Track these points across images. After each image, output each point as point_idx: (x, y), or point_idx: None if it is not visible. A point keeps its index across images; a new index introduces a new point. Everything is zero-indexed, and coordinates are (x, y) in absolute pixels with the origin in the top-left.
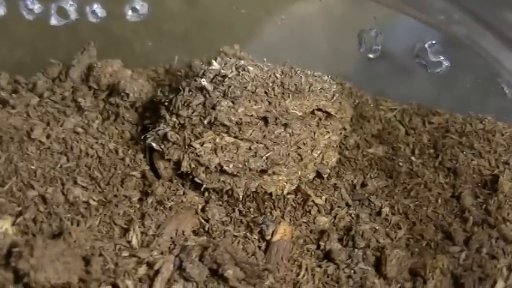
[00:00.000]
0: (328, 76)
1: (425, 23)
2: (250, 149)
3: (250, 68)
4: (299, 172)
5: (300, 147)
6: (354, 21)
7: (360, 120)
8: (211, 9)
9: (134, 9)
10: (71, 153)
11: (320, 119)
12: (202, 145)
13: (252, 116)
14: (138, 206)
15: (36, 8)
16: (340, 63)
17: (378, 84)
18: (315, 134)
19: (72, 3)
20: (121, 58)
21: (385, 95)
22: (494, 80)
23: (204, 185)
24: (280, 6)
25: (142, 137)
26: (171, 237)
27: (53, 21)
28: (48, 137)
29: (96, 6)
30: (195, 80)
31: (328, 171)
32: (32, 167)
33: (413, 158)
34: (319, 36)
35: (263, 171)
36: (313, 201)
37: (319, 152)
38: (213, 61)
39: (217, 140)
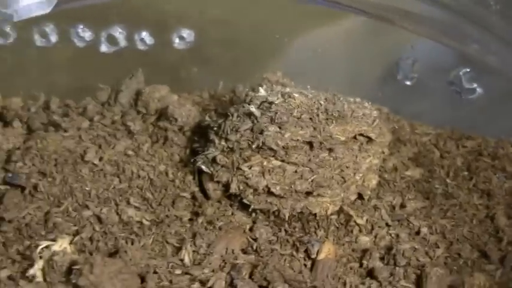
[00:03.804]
0: (368, 102)
1: (460, 52)
2: (296, 172)
3: (296, 95)
4: (342, 194)
5: (343, 171)
6: (391, 49)
7: (397, 144)
8: (254, 37)
9: (181, 38)
10: (123, 175)
11: (362, 144)
12: (250, 168)
13: (298, 140)
14: (189, 225)
15: (87, 35)
16: (378, 90)
17: (414, 110)
18: (357, 157)
19: (121, 31)
20: (167, 84)
21: (421, 120)
22: None
23: (252, 206)
24: (321, 36)
25: (192, 160)
26: (222, 256)
27: (103, 48)
28: (100, 159)
29: (144, 34)
30: (243, 106)
31: (369, 193)
32: (86, 188)
33: (448, 180)
34: (358, 64)
35: (308, 193)
36: (355, 221)
37: (361, 174)
38: (260, 88)
39: (265, 163)
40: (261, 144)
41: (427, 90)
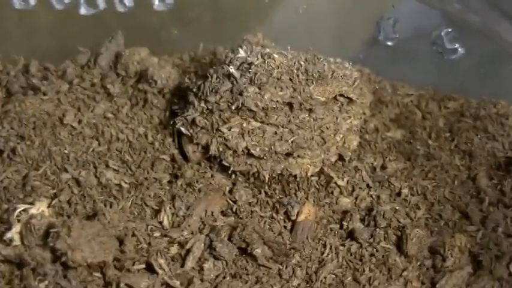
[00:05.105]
0: (349, 63)
1: (442, 12)
2: (276, 133)
3: (276, 56)
4: (322, 155)
5: (323, 131)
6: (372, 9)
7: (379, 105)
8: None
9: None
10: (102, 137)
11: (342, 104)
12: (229, 129)
13: (277, 101)
14: (168, 188)
15: None
16: (359, 50)
17: (396, 71)
18: (337, 118)
19: None
20: (147, 46)
21: (403, 81)
22: (508, 65)
23: (232, 168)
24: None
25: (171, 122)
26: (201, 218)
27: (83, 10)
28: (79, 122)
29: None
30: (223, 68)
31: (350, 154)
32: (65, 151)
33: (430, 141)
34: (339, 24)
35: (288, 155)
36: (335, 182)
37: (341, 135)
38: (239, 49)
39: (244, 124)
40: (240, 105)
41: (408, 51)
